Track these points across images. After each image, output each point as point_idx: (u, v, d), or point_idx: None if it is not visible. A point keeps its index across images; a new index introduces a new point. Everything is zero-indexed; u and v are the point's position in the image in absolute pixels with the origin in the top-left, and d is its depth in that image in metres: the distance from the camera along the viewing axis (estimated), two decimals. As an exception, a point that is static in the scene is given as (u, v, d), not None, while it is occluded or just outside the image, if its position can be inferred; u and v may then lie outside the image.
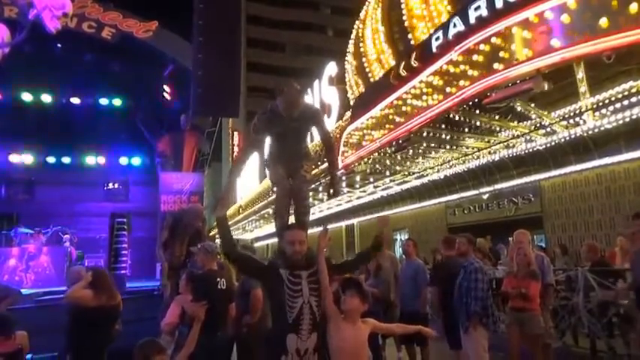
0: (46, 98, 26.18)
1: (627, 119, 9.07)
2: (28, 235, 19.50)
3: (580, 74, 8.75)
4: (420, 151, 12.35)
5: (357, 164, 13.01)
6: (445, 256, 6.14)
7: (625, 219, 9.99)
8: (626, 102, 9.25)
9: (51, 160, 27.56)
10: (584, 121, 9.94)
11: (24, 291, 11.30)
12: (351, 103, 13.91)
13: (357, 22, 14.20)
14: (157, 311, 5.15)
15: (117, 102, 27.76)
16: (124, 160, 29.27)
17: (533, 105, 9.73)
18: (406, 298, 6.52)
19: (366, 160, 12.62)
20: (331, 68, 15.68)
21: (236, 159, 8.35)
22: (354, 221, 21.95)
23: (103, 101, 27.61)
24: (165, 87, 28.59)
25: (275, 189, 3.74)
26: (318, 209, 22.31)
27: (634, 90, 9.08)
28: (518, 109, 9.63)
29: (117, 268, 18.95)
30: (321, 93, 16.08)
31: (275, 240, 22.58)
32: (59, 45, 24.70)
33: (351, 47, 14.44)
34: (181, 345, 3.90)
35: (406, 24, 11.09)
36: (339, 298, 3.12)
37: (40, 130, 24.94)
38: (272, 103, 3.60)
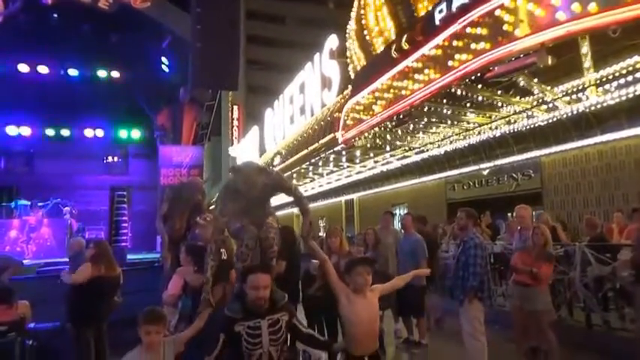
0: (43, 70, 25.84)
1: (630, 95, 8.97)
2: (29, 208, 19.62)
3: (584, 49, 8.62)
4: (421, 126, 12.28)
5: (357, 139, 12.95)
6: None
7: (624, 196, 10.02)
8: (630, 77, 9.12)
9: (50, 132, 27.41)
10: (587, 97, 9.84)
11: (25, 262, 11.42)
12: (352, 76, 13.75)
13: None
14: (157, 282, 5.20)
15: (115, 74, 27.40)
16: (123, 133, 29.11)
17: (536, 80, 9.61)
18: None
19: (366, 134, 12.56)
20: (332, 41, 15.44)
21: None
22: (354, 196, 22.00)
23: (101, 73, 27.27)
24: (164, 59, 28.20)
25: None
26: (318, 184, 22.35)
27: (639, 65, 8.94)
28: (521, 84, 9.52)
29: (118, 240, 19.17)
30: (322, 66, 15.89)
31: (283, 212, 22.57)
32: (55, 15, 24.24)
33: (352, 19, 14.18)
34: (184, 315, 3.97)
35: (409, -5, 10.88)
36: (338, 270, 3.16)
37: (38, 103, 24.70)
38: (231, 182, 3.78)
